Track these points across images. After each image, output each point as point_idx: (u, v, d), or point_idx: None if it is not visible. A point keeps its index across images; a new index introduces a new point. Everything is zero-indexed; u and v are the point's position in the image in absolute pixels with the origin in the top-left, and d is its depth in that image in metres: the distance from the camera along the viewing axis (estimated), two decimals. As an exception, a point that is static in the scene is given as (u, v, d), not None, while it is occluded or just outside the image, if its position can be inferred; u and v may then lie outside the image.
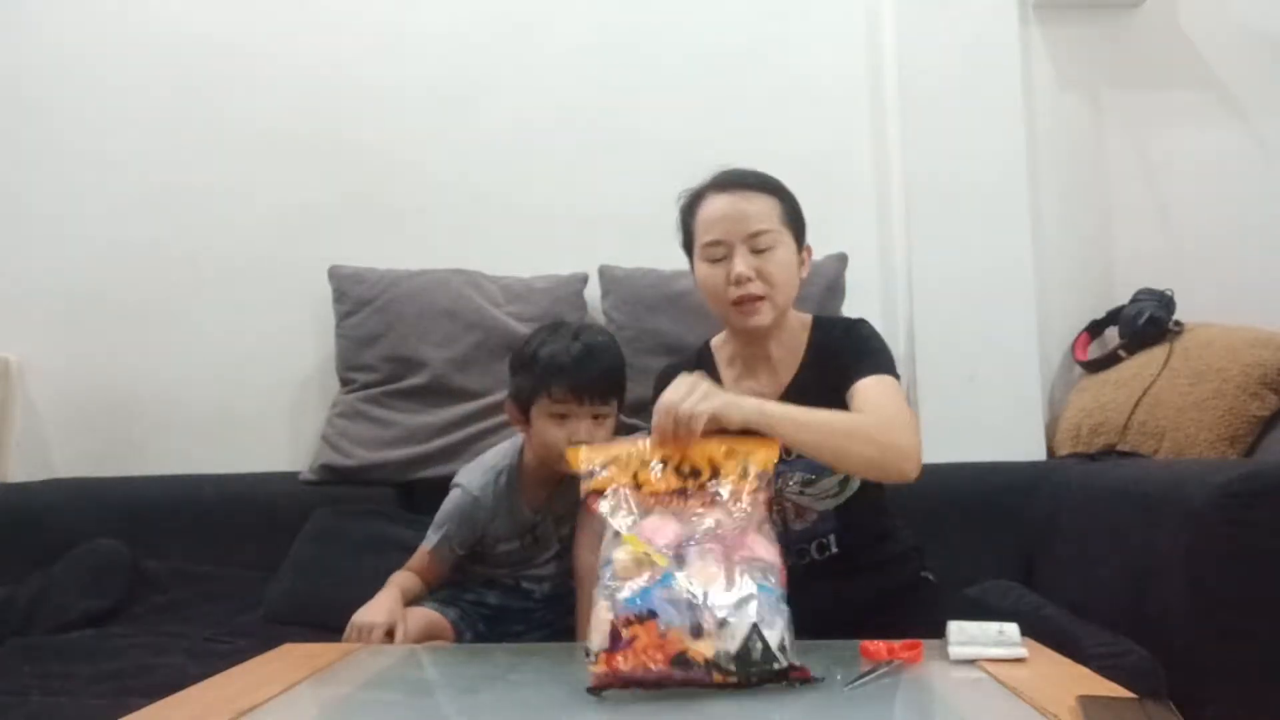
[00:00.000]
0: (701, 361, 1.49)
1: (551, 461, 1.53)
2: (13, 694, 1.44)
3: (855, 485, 1.43)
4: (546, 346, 1.55)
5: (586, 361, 1.52)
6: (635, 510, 1.10)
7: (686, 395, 1.15)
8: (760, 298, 1.33)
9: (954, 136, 2.31)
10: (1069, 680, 1.03)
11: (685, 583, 1.02)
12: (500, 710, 1.05)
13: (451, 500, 1.63)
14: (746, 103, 2.43)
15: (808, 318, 1.48)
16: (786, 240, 1.36)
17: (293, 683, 1.10)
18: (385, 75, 2.46)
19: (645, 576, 1.03)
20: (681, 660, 0.95)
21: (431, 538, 1.62)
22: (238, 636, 1.68)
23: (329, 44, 2.47)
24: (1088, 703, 0.89)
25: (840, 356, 1.37)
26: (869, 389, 1.30)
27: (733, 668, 0.96)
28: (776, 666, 0.98)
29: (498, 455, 1.67)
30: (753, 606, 1.00)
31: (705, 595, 1.00)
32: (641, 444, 1.18)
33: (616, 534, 1.08)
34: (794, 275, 1.38)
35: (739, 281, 1.32)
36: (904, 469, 1.25)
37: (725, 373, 1.47)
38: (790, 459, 1.35)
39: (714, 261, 1.36)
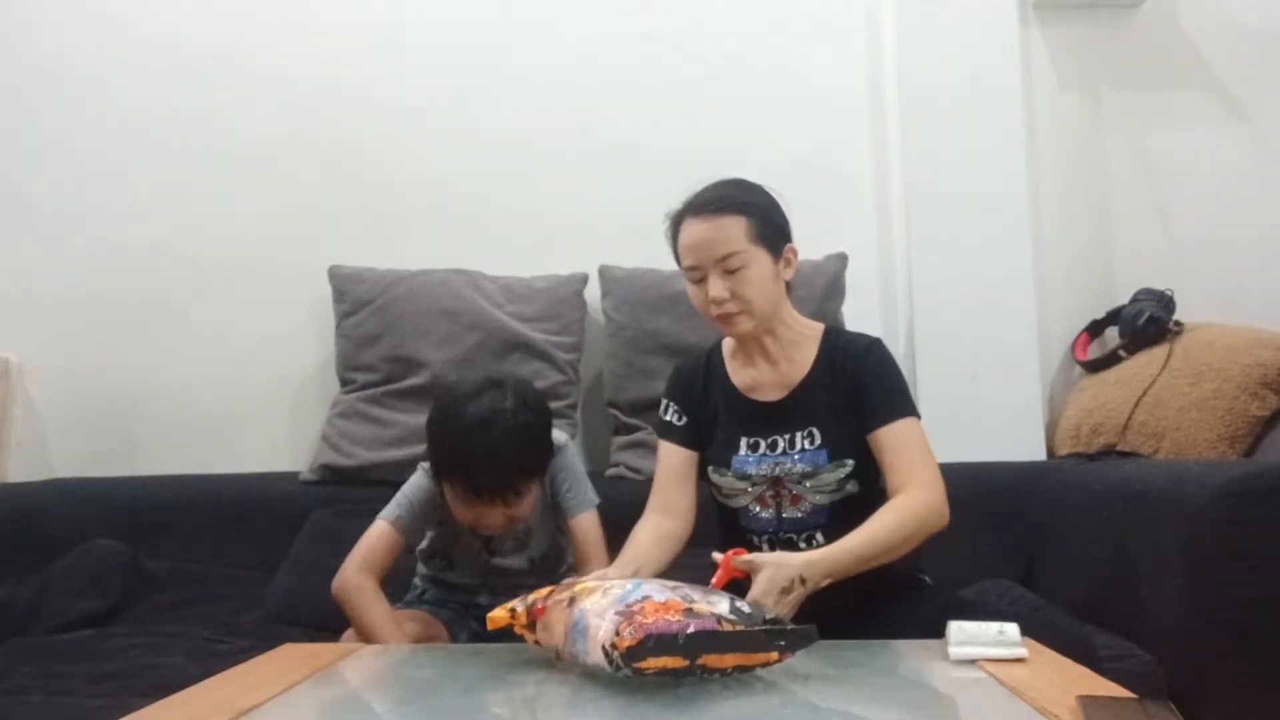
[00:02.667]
0: (710, 359, 1.60)
1: (466, 525, 1.54)
2: (13, 694, 1.44)
3: (853, 489, 1.46)
4: (450, 434, 1.44)
5: (486, 464, 1.41)
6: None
7: (781, 597, 1.24)
8: (736, 313, 1.45)
9: (954, 136, 2.31)
10: (1069, 680, 1.03)
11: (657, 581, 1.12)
12: (500, 710, 1.05)
13: (412, 481, 1.59)
14: (747, 103, 2.43)
15: (820, 326, 1.57)
16: (758, 256, 1.44)
17: (293, 683, 1.09)
18: (386, 77, 2.47)
19: (617, 585, 1.09)
20: (692, 614, 1.00)
21: (391, 510, 1.56)
22: (238, 636, 1.68)
23: (329, 46, 2.47)
24: (1088, 703, 0.89)
25: (857, 375, 1.48)
26: (896, 440, 1.43)
27: (734, 617, 1.01)
28: (769, 616, 1.05)
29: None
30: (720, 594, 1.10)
31: (679, 586, 1.09)
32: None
33: (571, 599, 1.11)
34: (769, 286, 1.46)
35: (716, 302, 1.44)
36: (942, 525, 1.38)
37: (730, 363, 1.58)
38: (795, 450, 1.46)
39: (695, 283, 1.48)
